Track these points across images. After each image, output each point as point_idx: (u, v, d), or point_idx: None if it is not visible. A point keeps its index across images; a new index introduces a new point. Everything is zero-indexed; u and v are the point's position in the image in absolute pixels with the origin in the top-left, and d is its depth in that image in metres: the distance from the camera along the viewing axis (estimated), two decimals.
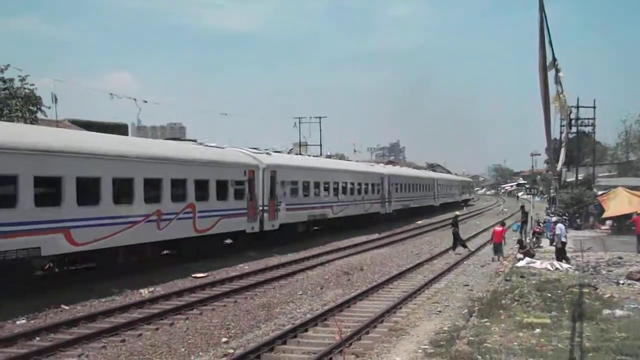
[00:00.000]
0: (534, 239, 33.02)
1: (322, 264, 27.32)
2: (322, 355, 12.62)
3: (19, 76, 33.50)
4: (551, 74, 14.04)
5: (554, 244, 28.53)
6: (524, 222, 39.00)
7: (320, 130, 79.98)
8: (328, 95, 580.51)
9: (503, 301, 17.58)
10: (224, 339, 14.45)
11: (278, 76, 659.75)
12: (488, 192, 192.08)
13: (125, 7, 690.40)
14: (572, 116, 54.60)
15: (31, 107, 33.06)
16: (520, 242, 30.22)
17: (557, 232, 27.38)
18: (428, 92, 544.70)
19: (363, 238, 39.58)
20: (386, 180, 53.39)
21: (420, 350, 13.39)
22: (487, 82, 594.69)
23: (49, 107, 34.49)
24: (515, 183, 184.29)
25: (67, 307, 17.57)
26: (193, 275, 23.24)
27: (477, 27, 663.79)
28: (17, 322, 15.84)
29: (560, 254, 26.63)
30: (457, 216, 35.51)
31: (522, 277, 22.08)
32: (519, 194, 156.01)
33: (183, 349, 13.58)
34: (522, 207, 42.24)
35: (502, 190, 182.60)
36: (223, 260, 27.02)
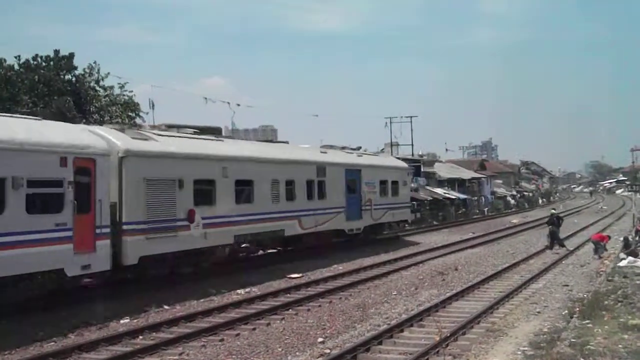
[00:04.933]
0: (637, 238, 31.77)
1: (415, 264, 27.13)
2: (419, 355, 12.51)
3: (118, 83, 34.77)
4: None
5: None
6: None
7: (412, 130, 79.45)
8: (420, 93, 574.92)
9: (606, 302, 16.97)
10: (320, 339, 14.51)
11: (371, 76, 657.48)
12: (585, 190, 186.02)
13: (219, 13, 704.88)
14: None
15: (130, 113, 34.18)
16: (625, 240, 29.14)
17: None
18: (523, 88, 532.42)
19: (457, 237, 39.20)
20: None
21: (519, 352, 13.10)
22: (583, 76, 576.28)
23: (147, 113, 35.64)
24: (614, 180, 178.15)
25: (167, 307, 18.05)
26: (288, 276, 23.47)
27: (571, 18, 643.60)
28: (121, 321, 16.35)
29: None
30: (554, 214, 34.59)
31: (625, 277, 21.28)
32: (618, 191, 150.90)
33: (280, 349, 13.71)
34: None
35: (601, 188, 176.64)
36: (318, 260, 27.21)
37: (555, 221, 33.15)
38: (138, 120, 35.01)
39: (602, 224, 51.00)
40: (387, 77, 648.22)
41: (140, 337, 14.69)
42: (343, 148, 34.81)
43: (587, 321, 14.94)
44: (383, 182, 35.47)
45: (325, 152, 31.84)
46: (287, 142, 33.59)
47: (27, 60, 29.76)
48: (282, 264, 26.11)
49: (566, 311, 16.97)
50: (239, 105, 45.36)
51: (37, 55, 30.25)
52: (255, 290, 20.79)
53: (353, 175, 32.29)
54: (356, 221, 32.36)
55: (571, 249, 31.99)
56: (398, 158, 48.47)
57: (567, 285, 21.51)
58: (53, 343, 14.22)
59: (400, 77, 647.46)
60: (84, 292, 18.58)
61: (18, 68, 29.38)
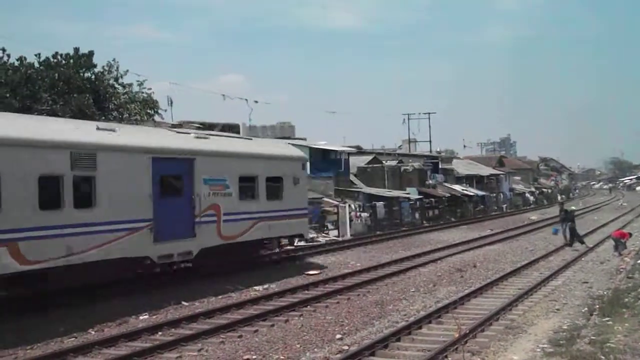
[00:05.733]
0: None
1: (434, 260, 27.06)
2: (437, 352, 12.48)
3: (137, 81, 34.90)
4: None
5: None
6: (564, 220, 33.30)
7: (430, 127, 79.41)
8: (437, 90, 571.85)
9: (626, 299, 16.84)
10: (338, 336, 14.51)
11: (387, 73, 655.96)
12: (605, 187, 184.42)
13: (232, 13, 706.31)
14: None
15: (149, 111, 34.31)
16: None
17: None
18: (542, 84, 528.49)
19: (475, 234, 39.09)
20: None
21: (538, 349, 13.02)
22: (603, 72, 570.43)
23: (165, 110, 35.78)
24: (634, 176, 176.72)
25: (186, 304, 18.15)
26: (306, 273, 23.53)
27: (588, 13, 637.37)
28: (140, 317, 16.47)
29: None
30: (573, 211, 34.40)
31: None
32: (639, 187, 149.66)
33: (298, 345, 13.74)
34: (561, 204, 38.41)
35: (620, 184, 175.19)
36: (335, 257, 27.24)
37: (573, 217, 33.01)
38: (157, 118, 35.21)
39: (622, 221, 50.64)
40: (403, 75, 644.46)
41: (160, 333, 14.77)
42: (174, 126, 23.42)
43: (607, 318, 14.84)
44: (248, 179, 23.33)
45: (112, 130, 19.15)
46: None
47: (47, 58, 29.95)
48: (299, 261, 26.13)
49: (586, 308, 16.87)
50: (256, 102, 45.56)
51: (57, 53, 30.45)
52: (274, 287, 20.85)
53: (174, 168, 20.47)
54: (181, 242, 20.23)
55: (591, 245, 31.78)
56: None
57: (587, 283, 21.37)
58: (73, 338, 14.37)
59: (417, 74, 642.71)
60: (103, 288, 18.73)
61: (38, 66, 29.59)
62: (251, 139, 27.36)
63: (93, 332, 14.98)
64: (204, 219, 21.10)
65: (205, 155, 21.47)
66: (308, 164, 26.63)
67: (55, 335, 14.40)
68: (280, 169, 25.07)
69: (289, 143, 35.34)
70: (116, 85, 33.54)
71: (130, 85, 34.52)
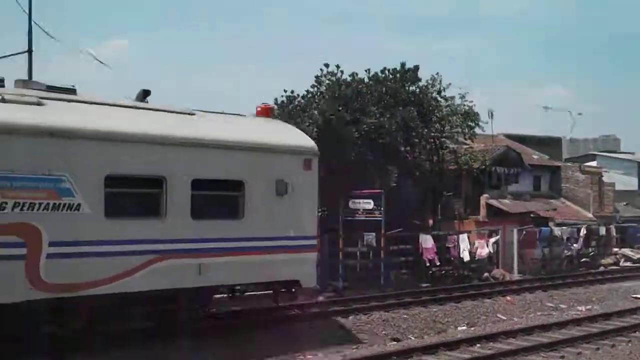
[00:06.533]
0: None
1: None
2: None
3: (459, 94, 35.33)
4: None
5: None
6: None
7: None
8: None
9: None
10: None
11: None
12: None
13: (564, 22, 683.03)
14: None
15: (470, 123, 34.54)
16: None
17: None
18: None
19: None
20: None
21: None
22: None
23: (486, 123, 35.71)
24: None
25: (503, 318, 18.09)
26: (633, 296, 22.06)
27: None
28: (459, 328, 16.79)
29: None
30: None
31: None
32: None
33: None
34: None
35: None
36: None
37: None
38: (477, 130, 35.30)
39: None
40: None
41: (478, 345, 14.83)
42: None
43: None
44: (136, 182, 12.89)
45: None
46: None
47: (376, 73, 31.50)
48: (623, 282, 24.55)
49: None
50: (580, 114, 43.60)
51: (385, 68, 31.91)
52: (597, 309, 19.86)
53: None
54: None
55: None
56: None
57: None
58: (395, 342, 15.07)
59: None
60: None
61: (367, 81, 31.26)
62: (182, 114, 14.40)
63: (413, 338, 15.55)
64: None
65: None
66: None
67: (379, 339, 15.31)
68: (238, 167, 14.24)
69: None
70: (439, 98, 34.28)
71: (452, 98, 35.05)
